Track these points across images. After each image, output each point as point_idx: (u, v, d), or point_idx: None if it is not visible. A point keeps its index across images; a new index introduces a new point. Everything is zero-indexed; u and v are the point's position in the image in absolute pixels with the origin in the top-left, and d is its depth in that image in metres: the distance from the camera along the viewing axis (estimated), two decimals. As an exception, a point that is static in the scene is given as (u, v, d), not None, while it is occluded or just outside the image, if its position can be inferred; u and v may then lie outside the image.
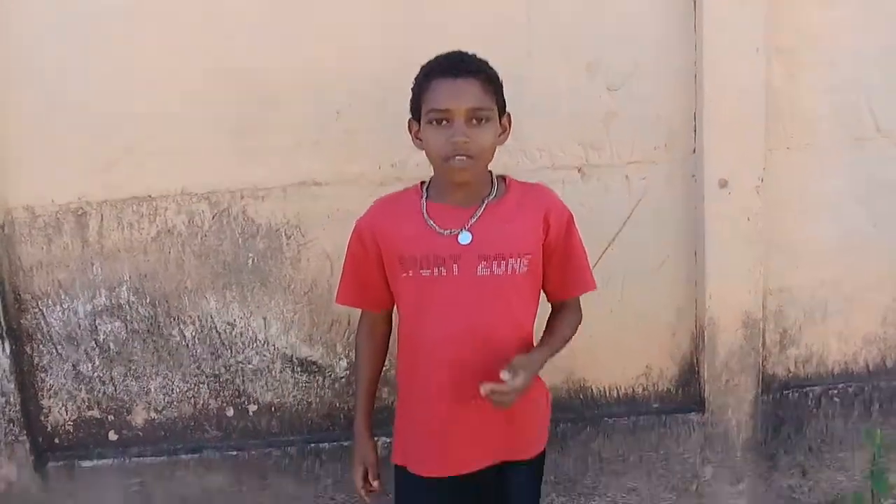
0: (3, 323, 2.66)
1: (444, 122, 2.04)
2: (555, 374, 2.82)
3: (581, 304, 2.30)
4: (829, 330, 2.92)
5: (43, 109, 2.59)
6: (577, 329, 2.30)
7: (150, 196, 2.66)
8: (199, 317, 2.74)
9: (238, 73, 2.58)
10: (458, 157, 2.03)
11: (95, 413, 2.81)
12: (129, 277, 2.72)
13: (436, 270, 2.11)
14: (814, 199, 2.81)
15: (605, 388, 2.89)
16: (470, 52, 2.12)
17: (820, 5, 2.65)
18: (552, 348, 2.22)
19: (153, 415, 2.82)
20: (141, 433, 2.83)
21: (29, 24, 2.54)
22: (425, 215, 2.14)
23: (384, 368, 2.40)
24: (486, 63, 2.11)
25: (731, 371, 2.82)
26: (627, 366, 2.89)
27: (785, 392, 2.91)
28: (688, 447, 2.88)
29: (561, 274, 2.23)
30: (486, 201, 2.14)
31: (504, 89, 2.13)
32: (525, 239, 2.15)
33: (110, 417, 2.82)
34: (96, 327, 2.75)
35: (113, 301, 2.73)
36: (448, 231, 2.11)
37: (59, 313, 2.73)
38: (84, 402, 2.80)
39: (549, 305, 2.30)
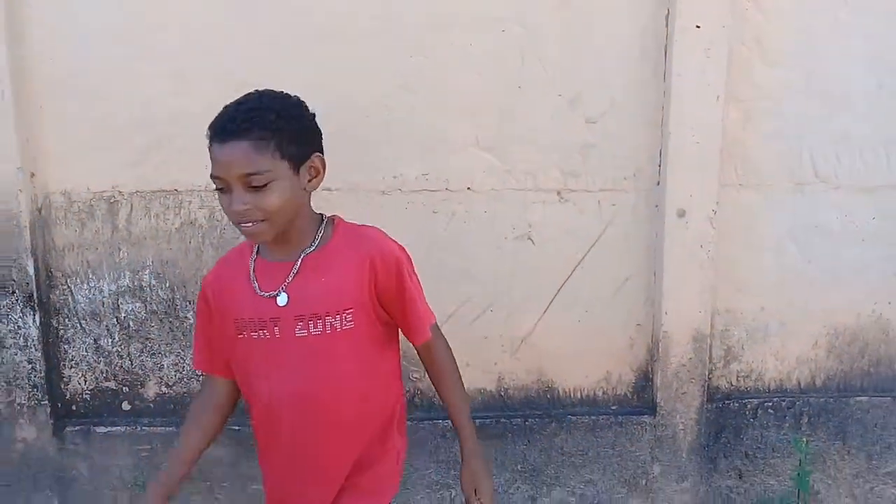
0: (35, 296, 2.84)
1: (225, 189, 1.88)
2: (527, 376, 3.08)
3: (440, 329, 2.17)
4: (768, 350, 3.16)
5: (84, 106, 2.78)
6: (452, 357, 2.17)
7: (176, 190, 2.87)
8: (212, 302, 2.96)
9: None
10: (243, 224, 1.89)
11: (111, 384, 3.01)
12: (152, 263, 2.92)
13: (261, 333, 1.98)
14: (759, 233, 3.05)
15: (569, 390, 3.11)
16: (253, 95, 1.99)
17: (769, 64, 2.91)
18: (465, 407, 2.16)
19: (164, 389, 3.01)
20: (152, 405, 3.02)
21: (80, 30, 2.75)
22: (252, 275, 2.02)
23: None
24: (263, 116, 1.89)
25: (681, 380, 3.04)
26: (590, 371, 3.12)
27: (727, 402, 3.14)
28: (640, 446, 3.10)
29: (403, 319, 2.07)
30: (302, 255, 1.99)
31: (314, 134, 2.03)
32: (343, 293, 1.98)
33: (125, 389, 3.01)
34: (118, 306, 2.95)
35: (135, 283, 2.93)
36: (268, 293, 1.99)
37: (86, 291, 2.92)
38: (102, 373, 2.99)
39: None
